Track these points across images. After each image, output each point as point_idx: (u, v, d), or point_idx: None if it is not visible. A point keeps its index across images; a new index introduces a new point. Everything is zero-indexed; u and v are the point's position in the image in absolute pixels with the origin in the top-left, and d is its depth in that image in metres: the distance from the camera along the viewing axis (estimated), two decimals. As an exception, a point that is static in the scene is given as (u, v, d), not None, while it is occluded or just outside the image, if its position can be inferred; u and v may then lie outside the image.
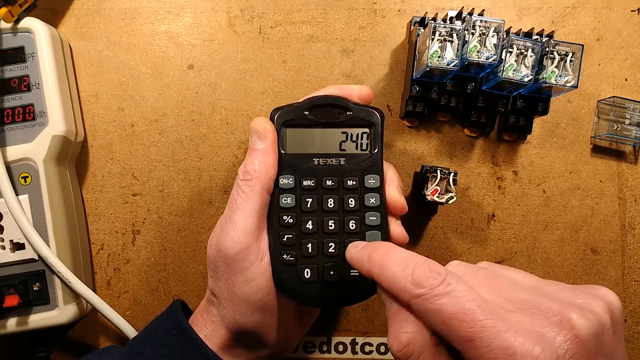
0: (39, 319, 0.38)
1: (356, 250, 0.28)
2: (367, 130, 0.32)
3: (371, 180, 0.31)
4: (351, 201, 0.31)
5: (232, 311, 0.30)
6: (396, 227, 0.32)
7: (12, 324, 0.38)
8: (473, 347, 0.20)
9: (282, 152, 0.31)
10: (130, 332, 0.39)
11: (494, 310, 0.21)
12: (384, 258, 0.25)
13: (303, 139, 0.32)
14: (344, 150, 0.32)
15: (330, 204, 0.31)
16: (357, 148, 0.32)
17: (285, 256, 0.30)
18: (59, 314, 0.38)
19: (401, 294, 0.23)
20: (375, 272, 0.25)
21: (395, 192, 0.32)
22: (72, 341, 0.42)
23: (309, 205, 0.31)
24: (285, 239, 0.31)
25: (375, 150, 0.32)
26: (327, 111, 0.32)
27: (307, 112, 0.32)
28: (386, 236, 0.31)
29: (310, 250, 0.31)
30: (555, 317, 0.21)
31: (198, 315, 0.33)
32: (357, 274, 0.31)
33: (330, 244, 0.31)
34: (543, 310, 0.22)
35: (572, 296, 0.23)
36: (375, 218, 0.31)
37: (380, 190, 0.31)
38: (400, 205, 0.32)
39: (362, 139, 0.32)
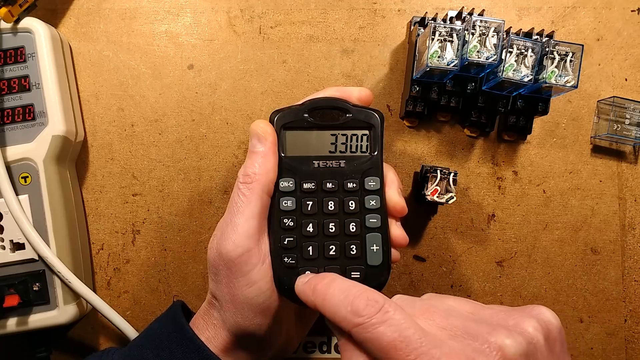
0: (39, 319, 0.38)
1: (302, 283, 0.28)
2: (367, 132, 0.32)
3: (371, 183, 0.31)
4: (351, 203, 0.31)
5: (233, 314, 0.30)
6: (396, 229, 0.32)
7: (12, 324, 0.38)
8: None
9: (282, 154, 0.31)
10: (130, 332, 0.39)
11: (428, 337, 0.22)
12: (327, 288, 0.26)
13: (303, 141, 0.32)
14: (344, 152, 0.32)
15: (331, 207, 0.31)
16: (357, 150, 0.32)
17: (286, 259, 0.30)
18: (59, 314, 0.38)
19: (342, 324, 0.24)
20: (318, 303, 0.26)
21: (395, 194, 0.32)
22: (72, 341, 0.42)
23: (309, 208, 0.31)
24: (286, 242, 0.31)
25: (375, 152, 0.32)
26: (327, 113, 0.32)
27: (306, 115, 0.32)
28: (386, 238, 0.31)
29: (311, 253, 0.31)
30: (484, 341, 0.22)
31: (199, 318, 0.33)
32: (358, 275, 0.31)
33: (331, 247, 0.31)
34: (472, 335, 0.22)
35: (505, 318, 0.24)
36: (375, 220, 0.31)
37: (380, 192, 0.31)
38: (400, 207, 0.32)
39: (362, 141, 0.32)
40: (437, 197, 0.39)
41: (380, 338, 0.22)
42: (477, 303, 0.26)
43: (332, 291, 0.25)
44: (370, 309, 0.23)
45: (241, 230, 0.29)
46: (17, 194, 0.38)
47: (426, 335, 0.22)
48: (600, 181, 0.43)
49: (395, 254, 0.32)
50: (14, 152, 0.38)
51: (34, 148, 0.38)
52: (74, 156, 0.42)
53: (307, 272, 0.30)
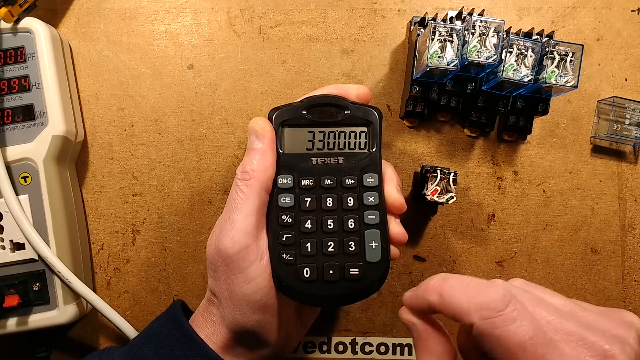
0: (39, 319, 0.38)
1: (409, 292, 0.28)
2: (365, 129, 0.32)
3: (370, 179, 0.31)
4: (350, 200, 0.31)
5: (232, 311, 0.30)
6: (395, 226, 0.32)
7: (12, 324, 0.38)
8: None
9: (281, 151, 0.31)
10: (130, 332, 0.39)
11: (553, 342, 0.22)
12: (443, 284, 0.25)
13: (301, 138, 0.32)
14: (343, 149, 0.32)
15: (329, 203, 0.31)
16: (355, 147, 0.32)
17: (284, 256, 0.30)
18: (59, 314, 0.38)
19: (464, 317, 0.23)
20: (434, 301, 0.25)
21: (394, 191, 0.32)
22: (72, 341, 0.42)
23: (307, 205, 0.31)
24: (284, 239, 0.31)
25: (374, 149, 0.32)
26: (325, 110, 0.32)
27: (305, 112, 0.32)
28: (385, 235, 0.31)
29: (309, 250, 0.31)
30: (600, 352, 0.22)
31: (198, 316, 0.33)
32: (357, 272, 0.31)
33: (329, 243, 0.31)
34: (588, 343, 0.22)
35: (610, 326, 0.23)
36: (374, 217, 0.31)
37: (379, 188, 0.31)
38: (399, 204, 0.32)
39: (360, 138, 0.32)
40: (437, 197, 0.39)
41: (510, 337, 0.21)
42: (571, 301, 0.26)
43: (450, 285, 0.25)
44: (498, 304, 0.22)
45: (239, 227, 0.29)
46: (17, 194, 0.38)
47: (551, 340, 0.22)
48: (600, 181, 0.43)
49: (394, 251, 0.32)
50: (14, 152, 0.38)
51: (34, 148, 0.38)
52: (74, 156, 0.42)
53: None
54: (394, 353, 0.42)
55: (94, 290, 0.42)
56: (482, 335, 0.22)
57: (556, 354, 0.21)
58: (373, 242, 0.31)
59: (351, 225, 0.31)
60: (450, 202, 0.39)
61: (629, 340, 0.23)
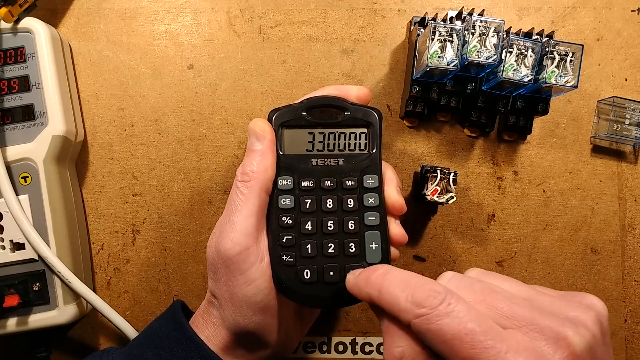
0: (39, 319, 0.38)
1: (354, 277, 0.28)
2: (365, 130, 0.32)
3: (370, 180, 0.31)
4: (350, 201, 0.31)
5: (232, 312, 0.30)
6: (395, 227, 0.32)
7: (12, 324, 0.38)
8: None
9: (281, 153, 0.31)
10: (130, 332, 0.39)
11: (494, 329, 0.21)
12: (383, 280, 0.25)
13: (301, 139, 0.32)
14: (343, 150, 0.32)
15: (329, 205, 0.31)
16: (355, 148, 0.32)
17: (284, 257, 0.30)
18: (59, 314, 0.38)
19: (401, 315, 0.23)
20: (374, 295, 0.25)
21: (394, 192, 0.32)
22: (72, 341, 0.42)
23: (307, 206, 0.31)
24: (284, 240, 0.31)
25: (374, 150, 0.32)
26: (325, 112, 0.32)
27: (305, 113, 0.32)
28: (385, 236, 0.31)
29: (309, 251, 0.31)
30: (552, 335, 0.21)
31: (199, 317, 0.33)
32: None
33: (329, 245, 0.31)
34: (540, 328, 0.22)
35: (566, 309, 0.23)
36: (374, 218, 0.31)
37: (379, 190, 0.31)
38: (399, 205, 0.32)
39: (360, 139, 0.32)
40: (437, 197, 0.39)
41: (444, 330, 0.21)
42: (530, 286, 0.25)
43: (389, 281, 0.25)
44: (432, 300, 0.22)
45: (239, 229, 0.29)
46: (17, 194, 0.38)
47: (492, 327, 0.21)
48: (600, 181, 0.43)
49: (394, 252, 0.32)
50: (14, 152, 0.38)
51: (34, 148, 0.38)
52: (74, 156, 0.42)
53: (356, 270, 0.29)
54: (393, 353, 0.42)
55: (94, 290, 0.42)
56: (418, 332, 0.22)
57: (499, 340, 0.21)
58: (373, 243, 0.31)
59: (351, 226, 0.31)
60: (450, 202, 0.39)
61: (586, 322, 0.22)
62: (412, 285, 0.24)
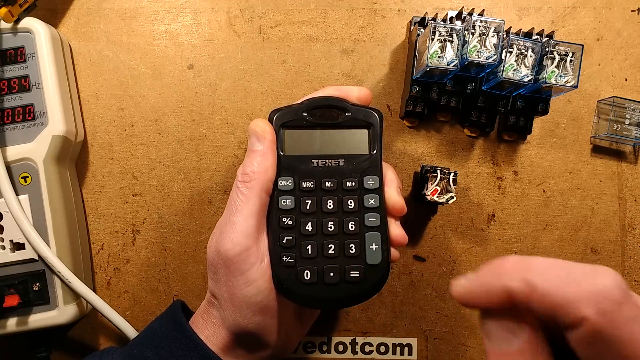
0: (39, 319, 0.38)
1: (467, 280, 0.21)
2: (365, 131, 0.32)
3: (370, 181, 0.31)
4: (350, 202, 0.31)
5: (232, 313, 0.30)
6: (395, 228, 0.32)
7: (12, 324, 0.38)
8: None
9: (281, 153, 0.31)
10: (130, 332, 0.39)
11: None
12: (527, 266, 0.19)
13: (302, 140, 0.32)
14: (343, 151, 0.32)
15: (330, 206, 0.31)
16: (356, 149, 0.32)
17: (285, 258, 0.30)
18: (59, 314, 0.38)
19: (571, 309, 0.17)
20: (517, 287, 0.18)
21: (394, 193, 0.32)
22: (72, 341, 0.42)
23: (308, 207, 0.31)
24: (284, 241, 0.31)
25: (374, 151, 0.32)
26: (326, 112, 0.32)
27: (305, 114, 0.32)
28: (386, 237, 0.31)
29: (310, 252, 0.31)
30: None
31: (198, 317, 0.33)
32: (357, 274, 0.31)
33: (329, 246, 0.31)
34: None
35: None
36: (374, 219, 0.31)
37: (379, 191, 0.31)
38: (400, 206, 0.32)
39: (361, 140, 0.32)
40: (437, 197, 0.39)
41: (636, 339, 0.16)
42: None
43: (537, 265, 0.19)
44: (616, 294, 0.17)
45: (240, 229, 0.29)
46: (17, 194, 0.37)
47: None
48: (600, 181, 0.43)
49: (394, 253, 0.32)
50: (14, 152, 0.38)
51: (34, 148, 0.38)
52: (74, 156, 0.42)
53: (459, 276, 0.22)
54: (394, 353, 0.42)
55: (94, 290, 0.42)
56: (595, 334, 0.17)
57: None
58: (373, 244, 0.31)
59: (351, 227, 0.31)
60: (450, 202, 0.39)
61: None
62: (580, 272, 0.18)
